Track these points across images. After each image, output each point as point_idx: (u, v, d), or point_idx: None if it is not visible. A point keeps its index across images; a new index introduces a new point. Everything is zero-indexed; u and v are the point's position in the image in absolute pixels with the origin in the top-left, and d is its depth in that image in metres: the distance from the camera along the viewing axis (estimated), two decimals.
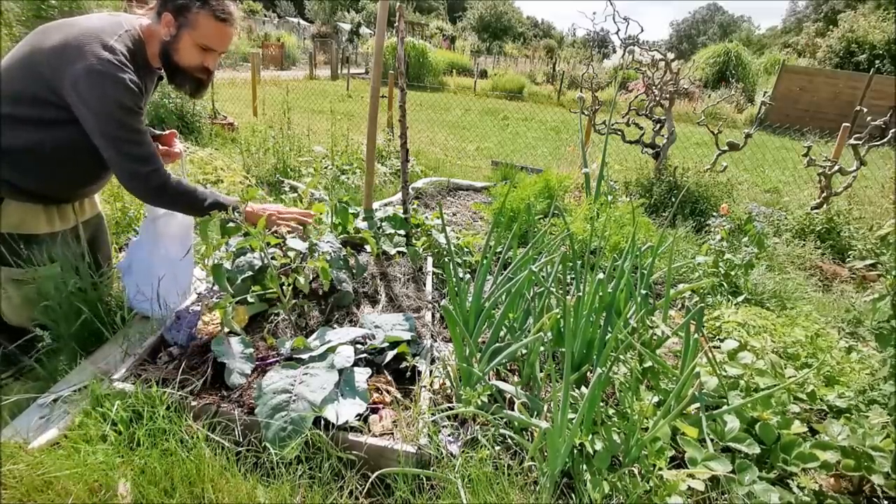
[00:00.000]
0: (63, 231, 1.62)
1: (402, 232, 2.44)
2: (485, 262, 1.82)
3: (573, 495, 1.28)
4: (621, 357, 1.61)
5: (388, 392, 1.51)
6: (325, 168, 4.32)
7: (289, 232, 1.77)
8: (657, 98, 4.64)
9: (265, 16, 31.60)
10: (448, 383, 1.59)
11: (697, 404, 1.44)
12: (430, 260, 2.45)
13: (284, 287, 1.70)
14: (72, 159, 1.48)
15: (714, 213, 3.09)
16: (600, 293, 1.66)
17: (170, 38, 1.46)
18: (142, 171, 1.44)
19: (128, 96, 1.36)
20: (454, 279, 1.73)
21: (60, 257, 1.55)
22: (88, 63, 1.30)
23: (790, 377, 1.61)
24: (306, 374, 1.42)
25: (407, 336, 1.69)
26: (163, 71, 1.57)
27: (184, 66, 1.51)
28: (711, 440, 1.37)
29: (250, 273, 1.77)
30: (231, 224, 1.58)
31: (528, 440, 1.40)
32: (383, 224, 2.42)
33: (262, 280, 1.78)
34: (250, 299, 1.76)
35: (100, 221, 1.86)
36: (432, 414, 1.42)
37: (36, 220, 1.53)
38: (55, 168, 1.47)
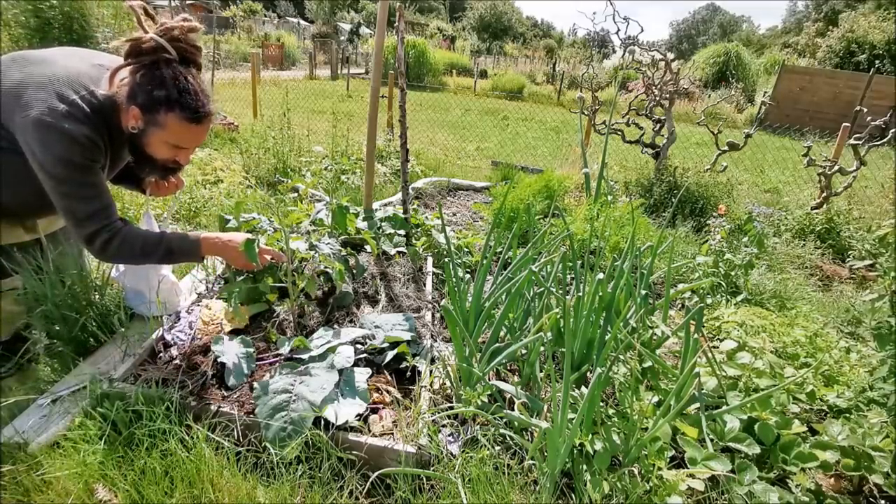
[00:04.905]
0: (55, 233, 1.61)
1: (402, 232, 2.44)
2: (485, 262, 1.82)
3: (573, 495, 1.28)
4: (621, 357, 1.61)
5: (388, 392, 1.51)
6: (325, 168, 4.32)
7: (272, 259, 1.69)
8: (657, 98, 4.64)
9: (265, 16, 31.59)
10: (448, 383, 1.59)
11: (697, 404, 1.44)
12: (430, 260, 2.45)
13: (293, 284, 1.70)
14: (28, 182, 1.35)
15: (714, 214, 3.09)
16: (600, 293, 1.66)
17: (138, 131, 1.32)
18: (82, 233, 1.35)
19: (76, 151, 1.25)
20: (454, 279, 1.73)
21: (56, 261, 1.54)
22: (36, 114, 1.21)
23: (789, 377, 1.61)
24: (306, 374, 1.42)
25: (407, 336, 1.69)
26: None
27: (154, 159, 1.41)
28: (711, 440, 1.37)
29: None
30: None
31: (528, 440, 1.40)
32: (383, 224, 2.42)
33: (262, 278, 1.78)
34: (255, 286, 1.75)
35: None
36: (432, 414, 1.42)
37: (15, 232, 1.48)
38: (15, 189, 1.37)
